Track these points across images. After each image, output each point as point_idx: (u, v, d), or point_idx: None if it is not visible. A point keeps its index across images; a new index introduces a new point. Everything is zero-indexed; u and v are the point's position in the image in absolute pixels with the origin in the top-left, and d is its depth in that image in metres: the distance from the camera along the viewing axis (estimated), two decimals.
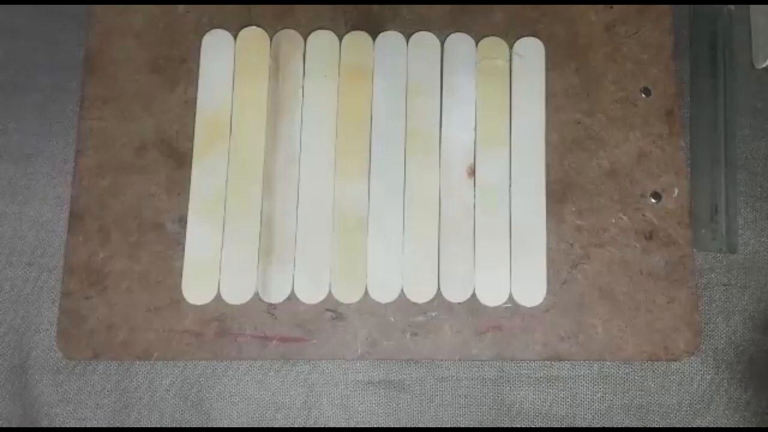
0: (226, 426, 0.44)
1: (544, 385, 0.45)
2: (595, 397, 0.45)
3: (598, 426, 0.45)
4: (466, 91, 0.47)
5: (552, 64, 0.48)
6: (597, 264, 0.45)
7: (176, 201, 0.45)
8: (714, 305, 0.46)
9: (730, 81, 0.48)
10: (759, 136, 0.48)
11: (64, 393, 0.44)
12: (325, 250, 0.45)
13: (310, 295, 0.44)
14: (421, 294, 0.44)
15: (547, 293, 0.44)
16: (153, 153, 0.46)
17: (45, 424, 0.44)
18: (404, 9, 0.48)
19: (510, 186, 0.46)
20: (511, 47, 0.48)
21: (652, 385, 0.45)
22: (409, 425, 0.44)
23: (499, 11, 0.48)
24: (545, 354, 0.44)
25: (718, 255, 0.46)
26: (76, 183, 0.45)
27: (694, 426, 0.44)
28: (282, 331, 0.44)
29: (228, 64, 0.47)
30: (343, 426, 0.44)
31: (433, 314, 0.44)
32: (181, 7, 0.48)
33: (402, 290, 0.44)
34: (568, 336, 0.44)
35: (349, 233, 0.45)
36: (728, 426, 0.44)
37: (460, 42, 0.48)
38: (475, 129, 0.46)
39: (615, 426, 0.44)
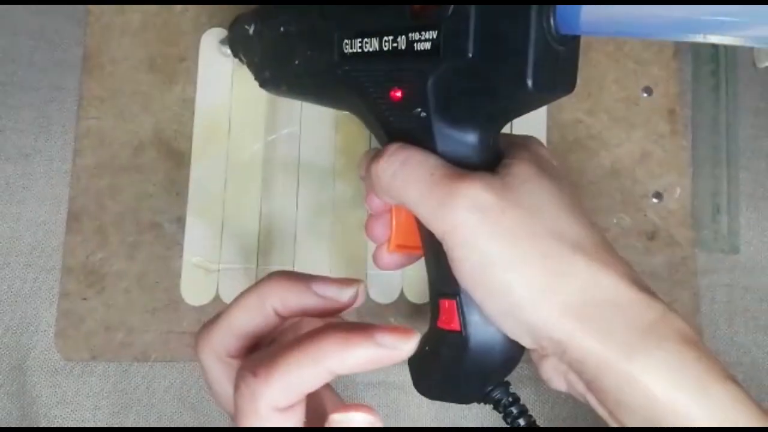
0: (225, 427, 0.44)
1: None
2: None
3: (598, 426, 0.44)
4: None
5: None
6: None
7: (175, 201, 0.45)
8: (716, 306, 0.46)
9: (732, 80, 0.48)
10: (761, 136, 0.48)
11: (63, 394, 0.44)
12: (325, 251, 0.44)
13: None
14: (420, 294, 0.44)
15: None
16: (151, 152, 0.45)
17: (43, 425, 0.44)
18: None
19: None
20: None
21: None
22: (409, 425, 0.44)
23: None
24: None
25: (720, 255, 0.46)
26: (74, 183, 0.45)
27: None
28: None
29: (227, 62, 0.46)
30: None
31: None
32: (179, 6, 0.47)
33: (402, 290, 0.44)
34: None
35: (349, 233, 0.45)
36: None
37: None
38: None
39: (616, 426, 0.44)
